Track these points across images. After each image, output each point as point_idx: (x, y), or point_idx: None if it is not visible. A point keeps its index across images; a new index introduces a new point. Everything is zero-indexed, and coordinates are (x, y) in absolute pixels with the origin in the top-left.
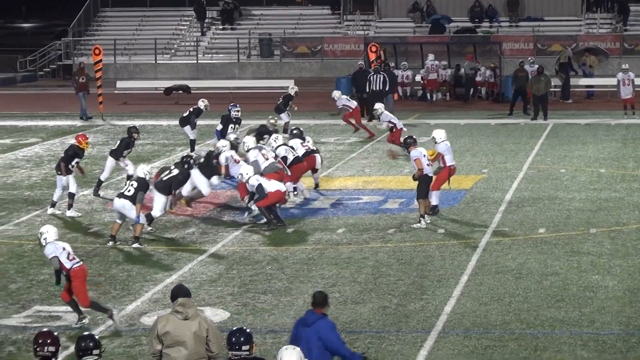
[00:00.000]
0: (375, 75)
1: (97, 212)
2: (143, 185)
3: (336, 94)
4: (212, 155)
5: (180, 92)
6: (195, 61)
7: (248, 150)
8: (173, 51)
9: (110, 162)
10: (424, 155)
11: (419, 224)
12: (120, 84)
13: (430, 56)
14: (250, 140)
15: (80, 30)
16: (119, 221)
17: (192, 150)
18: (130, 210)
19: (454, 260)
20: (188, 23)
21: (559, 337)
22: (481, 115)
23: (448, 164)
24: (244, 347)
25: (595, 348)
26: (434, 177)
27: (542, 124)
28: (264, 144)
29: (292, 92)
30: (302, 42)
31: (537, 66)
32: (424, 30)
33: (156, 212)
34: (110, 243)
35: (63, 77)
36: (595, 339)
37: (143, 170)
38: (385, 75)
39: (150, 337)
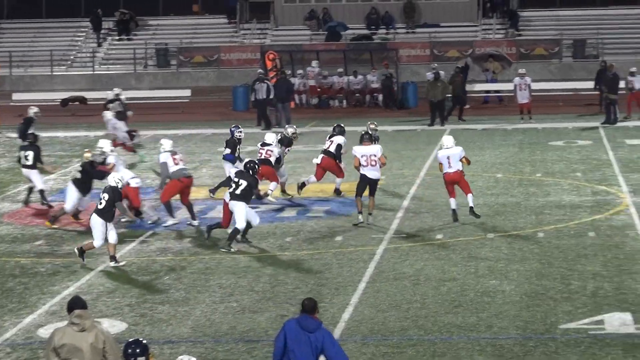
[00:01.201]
0: (259, 84)
1: None
2: (116, 194)
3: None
4: (94, 165)
5: (77, 103)
6: (92, 72)
7: (161, 153)
8: (69, 62)
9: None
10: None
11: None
12: (16, 96)
13: (314, 63)
14: (166, 143)
15: None
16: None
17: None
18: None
19: (351, 267)
20: (84, 34)
21: (457, 343)
22: (378, 122)
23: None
24: (139, 358)
25: (493, 353)
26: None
27: (440, 130)
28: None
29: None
30: (199, 51)
31: (442, 72)
32: (320, 38)
33: (241, 223)
34: (112, 263)
35: None
36: (493, 344)
37: (114, 179)
38: (269, 84)
39: (47, 350)
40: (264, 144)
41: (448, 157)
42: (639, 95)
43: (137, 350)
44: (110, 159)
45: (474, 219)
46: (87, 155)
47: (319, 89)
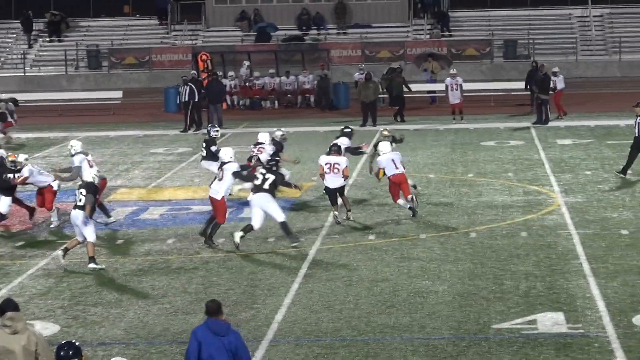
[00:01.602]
0: (183, 87)
1: None
2: (92, 189)
3: None
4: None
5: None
6: (23, 74)
7: (74, 155)
8: (0, 64)
9: None
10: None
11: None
12: None
13: (245, 63)
14: (77, 144)
15: None
16: (79, 238)
17: None
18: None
19: (284, 268)
20: (15, 35)
21: (390, 343)
22: (310, 122)
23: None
24: None
25: (426, 353)
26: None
27: (371, 130)
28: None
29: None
30: (130, 53)
31: (365, 73)
32: (251, 39)
33: (281, 216)
34: (91, 265)
35: None
36: (426, 344)
37: (91, 175)
38: (193, 86)
39: None
40: (257, 143)
41: (393, 160)
42: (560, 95)
43: (70, 353)
44: (25, 171)
45: (409, 220)
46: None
47: (251, 89)
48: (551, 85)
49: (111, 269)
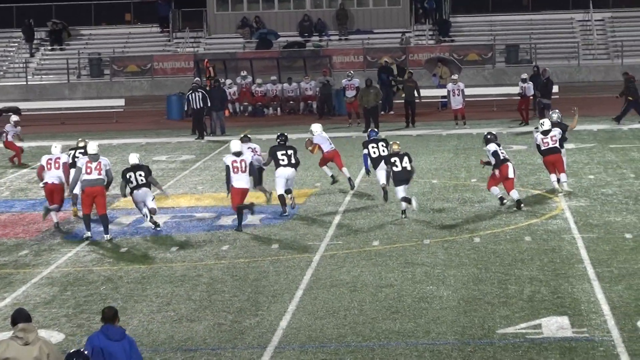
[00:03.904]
0: (194, 94)
1: None
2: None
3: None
4: None
5: (10, 114)
6: (25, 82)
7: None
8: (2, 73)
9: None
10: None
11: None
12: None
13: (243, 72)
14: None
15: None
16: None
17: None
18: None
19: (288, 275)
20: (16, 44)
21: (395, 349)
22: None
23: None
24: None
25: (431, 358)
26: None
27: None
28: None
29: None
30: (132, 60)
31: (357, 80)
32: (253, 46)
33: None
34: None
35: None
36: (431, 349)
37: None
38: (204, 92)
39: None
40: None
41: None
42: (529, 102)
43: None
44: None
45: (413, 226)
46: None
47: (252, 96)
48: (519, 91)
49: (115, 277)
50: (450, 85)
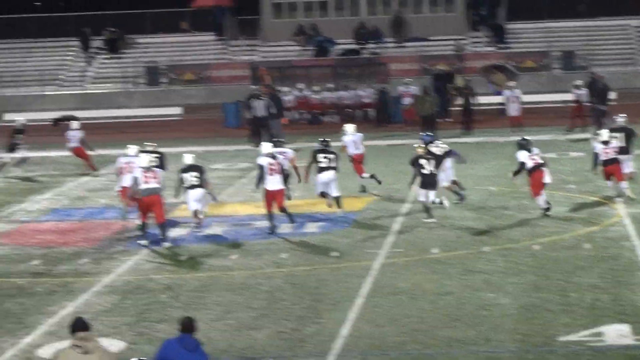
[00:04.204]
0: (257, 101)
1: None
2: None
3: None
4: None
5: (68, 122)
6: (82, 91)
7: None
8: (59, 82)
9: None
10: None
11: None
12: (7, 117)
13: (300, 85)
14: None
15: None
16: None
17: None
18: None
19: (348, 282)
20: (74, 53)
21: (455, 357)
22: (369, 136)
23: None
24: None
25: None
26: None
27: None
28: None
29: None
30: (188, 69)
31: (413, 87)
32: (309, 54)
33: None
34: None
35: None
36: (492, 357)
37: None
38: (269, 100)
39: None
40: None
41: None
42: (583, 109)
43: None
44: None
45: (472, 233)
46: None
47: (309, 104)
48: (574, 97)
49: (175, 285)
50: (506, 92)
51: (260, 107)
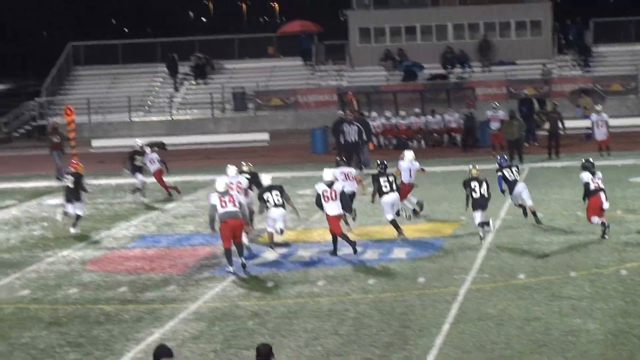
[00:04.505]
0: (349, 126)
1: (76, 273)
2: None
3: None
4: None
5: (156, 149)
6: (170, 117)
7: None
8: (147, 108)
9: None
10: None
11: None
12: (95, 143)
13: (387, 112)
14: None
15: (53, 90)
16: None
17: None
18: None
19: (435, 308)
20: (161, 79)
21: None
22: (457, 161)
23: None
24: None
25: None
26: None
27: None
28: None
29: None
30: (276, 94)
31: (501, 112)
32: (396, 78)
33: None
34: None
35: (38, 138)
36: None
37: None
38: (360, 126)
39: None
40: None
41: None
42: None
43: None
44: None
45: (557, 258)
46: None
47: (397, 129)
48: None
49: (262, 312)
50: (594, 116)
51: (352, 132)
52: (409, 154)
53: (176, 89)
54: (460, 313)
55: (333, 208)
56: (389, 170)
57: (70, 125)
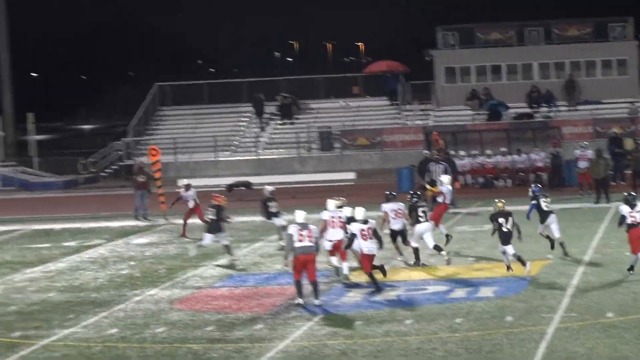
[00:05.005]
0: (436, 165)
1: (163, 312)
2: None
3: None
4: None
5: (243, 188)
6: (256, 157)
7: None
8: (233, 148)
9: None
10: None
11: None
12: (181, 182)
13: (474, 151)
14: (299, 216)
15: (140, 130)
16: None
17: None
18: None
19: (522, 347)
20: (247, 119)
21: None
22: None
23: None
24: None
25: None
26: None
27: (605, 207)
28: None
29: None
30: (362, 133)
31: (589, 151)
32: (482, 118)
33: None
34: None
35: (125, 178)
36: None
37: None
38: (447, 165)
39: None
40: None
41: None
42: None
43: None
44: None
45: None
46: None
47: (483, 168)
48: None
49: (350, 351)
50: None
51: (438, 171)
52: (445, 179)
53: (262, 129)
54: (549, 352)
55: (370, 247)
56: (422, 201)
57: (156, 165)
